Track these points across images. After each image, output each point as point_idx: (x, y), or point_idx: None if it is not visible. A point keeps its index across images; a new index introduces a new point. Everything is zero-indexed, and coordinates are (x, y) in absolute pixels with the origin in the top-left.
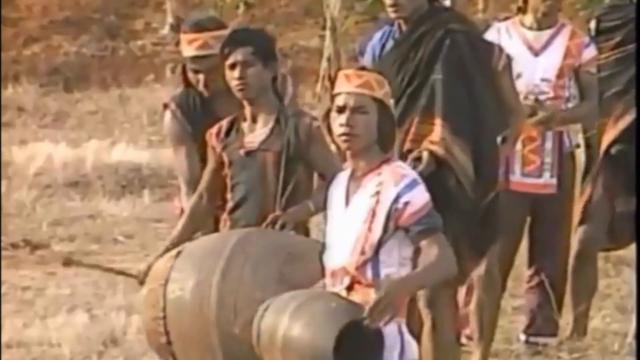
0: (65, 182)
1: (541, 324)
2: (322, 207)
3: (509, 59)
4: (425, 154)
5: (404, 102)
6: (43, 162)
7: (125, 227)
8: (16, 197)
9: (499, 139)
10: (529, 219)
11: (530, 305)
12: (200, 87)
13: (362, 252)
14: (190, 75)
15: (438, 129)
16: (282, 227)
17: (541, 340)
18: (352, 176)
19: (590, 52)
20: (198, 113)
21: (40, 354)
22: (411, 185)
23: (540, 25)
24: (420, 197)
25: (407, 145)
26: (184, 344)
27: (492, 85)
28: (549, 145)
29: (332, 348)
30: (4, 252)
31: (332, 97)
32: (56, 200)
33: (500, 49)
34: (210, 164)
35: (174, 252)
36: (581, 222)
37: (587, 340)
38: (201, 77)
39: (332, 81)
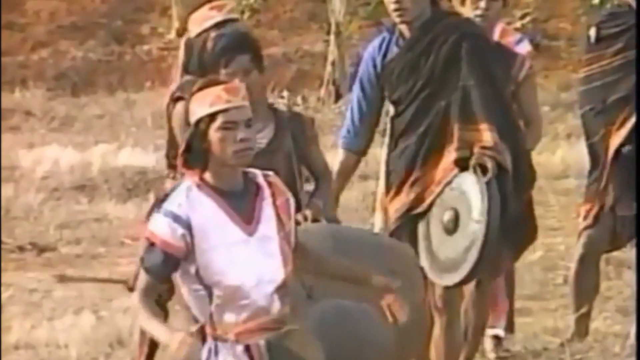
0: (72, 185)
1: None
2: (324, 205)
3: (532, 69)
4: (488, 161)
5: (417, 106)
6: (50, 165)
7: (131, 230)
8: (23, 200)
9: None
10: None
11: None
12: None
13: (288, 265)
14: (211, 45)
15: (487, 134)
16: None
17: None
18: (226, 194)
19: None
20: None
21: (47, 356)
22: None
23: None
24: None
25: (454, 155)
26: None
27: (510, 89)
28: None
29: None
30: (11, 255)
31: (212, 115)
32: (63, 203)
33: (523, 59)
34: None
35: None
36: (587, 228)
37: (589, 342)
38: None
39: (191, 95)
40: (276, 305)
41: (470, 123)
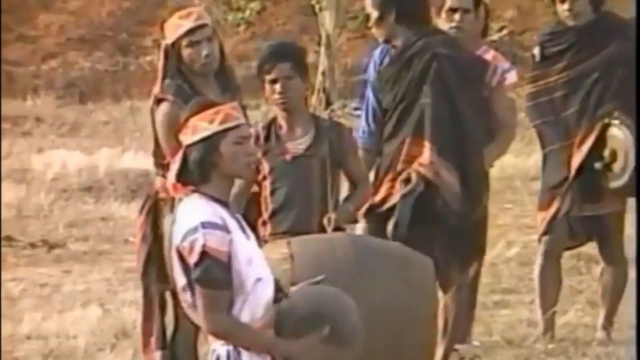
0: (80, 186)
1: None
2: (357, 211)
3: (503, 77)
4: (413, 176)
5: (396, 117)
6: (59, 168)
7: (135, 229)
8: (35, 200)
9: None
10: None
11: None
12: (203, 53)
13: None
14: (186, 53)
15: (427, 152)
16: (337, 227)
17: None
18: (223, 204)
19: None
20: (191, 98)
21: (57, 346)
22: None
23: None
24: None
25: (400, 167)
26: None
27: (479, 103)
28: None
29: None
30: (23, 252)
31: (222, 132)
32: (71, 203)
33: (495, 67)
34: None
35: (283, 253)
36: (545, 233)
37: (561, 333)
38: (204, 44)
39: (188, 115)
40: (271, 302)
41: (418, 139)
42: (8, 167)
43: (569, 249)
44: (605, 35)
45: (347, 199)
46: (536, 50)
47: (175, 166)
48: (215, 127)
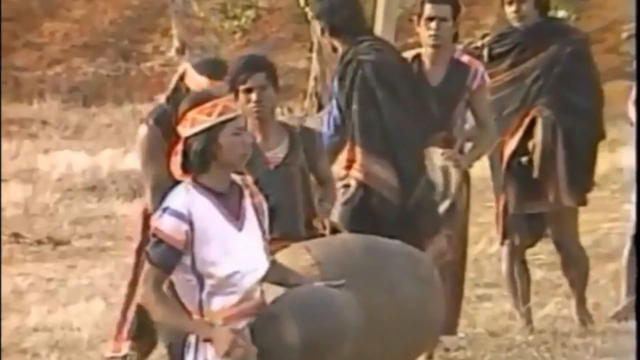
0: (84, 186)
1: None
2: (332, 207)
3: (483, 80)
4: (352, 182)
5: (348, 119)
6: (64, 168)
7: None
8: (41, 199)
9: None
10: None
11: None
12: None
13: (268, 257)
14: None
15: (359, 156)
16: (333, 229)
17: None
18: (218, 195)
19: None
20: (169, 128)
21: (62, 337)
22: None
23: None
24: None
25: (342, 173)
26: None
27: (412, 103)
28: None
29: None
30: (30, 248)
31: (220, 124)
32: (76, 202)
33: (476, 71)
34: None
35: (308, 260)
36: (504, 236)
37: (542, 325)
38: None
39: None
40: (257, 293)
41: (353, 144)
42: (15, 167)
43: (529, 246)
44: (547, 37)
45: (321, 199)
46: (485, 51)
47: (177, 158)
48: (214, 119)
